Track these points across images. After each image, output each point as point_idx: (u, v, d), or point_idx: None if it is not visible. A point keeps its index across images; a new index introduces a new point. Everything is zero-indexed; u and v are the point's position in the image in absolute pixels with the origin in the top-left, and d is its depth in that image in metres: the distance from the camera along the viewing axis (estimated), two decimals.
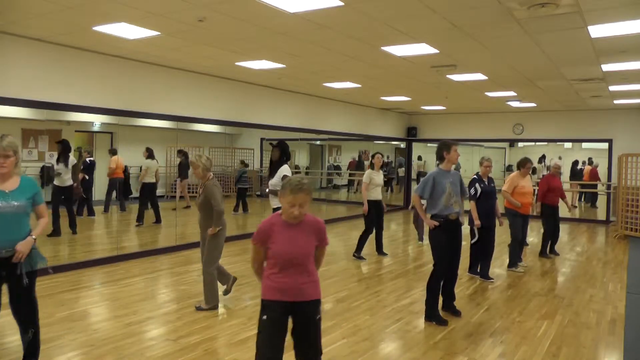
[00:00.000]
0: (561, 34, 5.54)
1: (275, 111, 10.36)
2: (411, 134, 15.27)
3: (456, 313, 5.06)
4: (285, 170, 5.79)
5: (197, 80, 8.54)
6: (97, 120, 9.30)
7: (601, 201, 15.33)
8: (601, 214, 13.48)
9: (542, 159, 17.26)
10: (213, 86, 8.86)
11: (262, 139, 13.33)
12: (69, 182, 8.04)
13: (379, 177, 7.57)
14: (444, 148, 4.91)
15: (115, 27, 5.61)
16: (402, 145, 16.05)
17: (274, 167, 5.89)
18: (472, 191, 6.31)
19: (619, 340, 4.47)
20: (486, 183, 6.39)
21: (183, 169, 11.28)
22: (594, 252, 8.76)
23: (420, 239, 9.11)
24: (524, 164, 7.01)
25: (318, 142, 16.02)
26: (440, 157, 5.00)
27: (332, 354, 3.98)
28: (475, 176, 6.46)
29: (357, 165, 17.60)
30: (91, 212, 9.69)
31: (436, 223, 4.82)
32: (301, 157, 15.20)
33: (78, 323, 4.57)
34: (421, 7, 4.67)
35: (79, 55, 6.73)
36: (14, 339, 4.19)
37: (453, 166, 5.05)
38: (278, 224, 2.78)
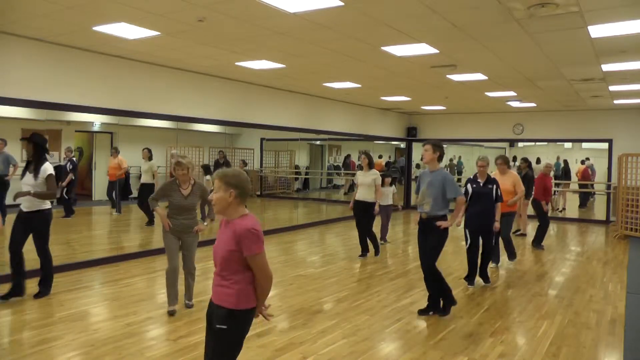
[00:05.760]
0: (561, 34, 5.54)
1: (275, 111, 10.36)
2: (411, 134, 15.26)
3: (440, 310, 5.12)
4: (49, 169, 5.23)
5: (197, 80, 8.55)
6: (97, 120, 9.27)
7: (600, 201, 15.28)
8: (601, 214, 13.45)
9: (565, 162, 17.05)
10: (213, 86, 8.86)
11: (262, 139, 13.32)
12: None
13: None
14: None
15: (115, 27, 5.61)
16: (402, 145, 16.06)
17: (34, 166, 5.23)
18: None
19: (619, 340, 4.47)
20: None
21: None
22: (594, 252, 8.75)
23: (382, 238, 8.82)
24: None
25: (318, 142, 16.02)
26: None
27: (332, 354, 3.98)
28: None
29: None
30: None
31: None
32: (301, 157, 15.21)
33: (78, 323, 4.56)
34: (421, 7, 4.67)
35: (79, 55, 6.73)
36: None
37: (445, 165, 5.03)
38: None
